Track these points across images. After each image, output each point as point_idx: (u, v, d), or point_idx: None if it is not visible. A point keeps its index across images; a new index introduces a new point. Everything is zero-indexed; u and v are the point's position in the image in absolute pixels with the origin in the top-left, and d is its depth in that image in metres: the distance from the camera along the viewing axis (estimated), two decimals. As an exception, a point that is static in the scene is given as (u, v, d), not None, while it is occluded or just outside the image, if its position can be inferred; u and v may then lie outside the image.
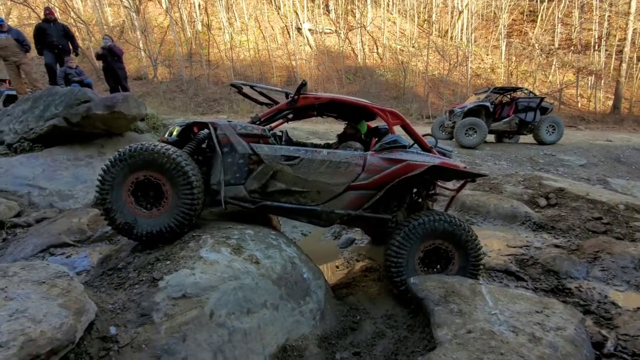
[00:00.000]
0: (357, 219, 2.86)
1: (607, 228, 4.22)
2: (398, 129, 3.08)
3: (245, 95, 3.45)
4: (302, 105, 2.88)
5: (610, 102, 20.85)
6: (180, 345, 1.70)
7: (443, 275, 2.62)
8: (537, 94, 12.99)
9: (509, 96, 10.08)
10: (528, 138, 10.15)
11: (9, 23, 18.84)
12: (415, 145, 2.90)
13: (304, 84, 2.83)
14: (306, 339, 2.18)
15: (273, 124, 3.14)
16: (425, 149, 2.91)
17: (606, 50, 23.41)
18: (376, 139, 3.31)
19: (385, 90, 22.08)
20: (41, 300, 1.59)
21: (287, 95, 3.25)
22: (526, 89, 10.08)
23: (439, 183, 3.30)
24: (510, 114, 9.46)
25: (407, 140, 2.90)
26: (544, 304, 2.21)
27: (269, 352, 1.98)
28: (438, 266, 2.82)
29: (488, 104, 9.33)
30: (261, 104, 3.68)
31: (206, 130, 2.72)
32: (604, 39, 23.67)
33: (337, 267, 3.86)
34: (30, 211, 4.47)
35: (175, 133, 2.79)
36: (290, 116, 3.10)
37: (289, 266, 2.40)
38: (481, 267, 2.80)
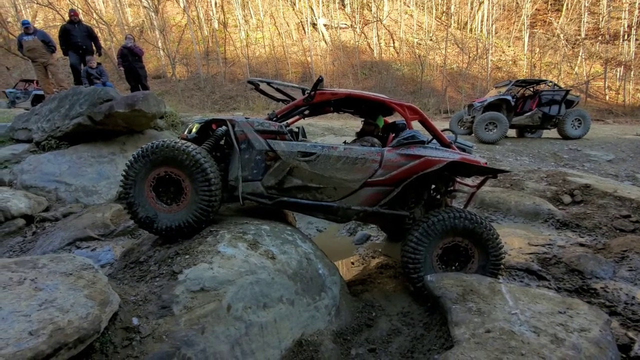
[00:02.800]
0: (373, 216, 2.83)
1: (635, 226, 4.03)
2: (416, 125, 3.04)
3: (262, 92, 3.48)
4: (318, 101, 2.87)
5: (641, 94, 19.82)
6: (199, 337, 1.74)
7: (461, 273, 2.57)
8: (562, 86, 12.49)
9: (531, 89, 9.73)
10: (552, 133, 9.80)
11: (35, 25, 19.68)
12: (434, 141, 2.84)
13: (320, 80, 2.82)
14: (321, 334, 2.19)
15: (289, 121, 3.16)
16: (445, 144, 2.85)
17: (636, 39, 22.21)
18: (393, 135, 3.27)
19: (402, 85, 21.77)
20: (68, 291, 1.66)
21: (303, 91, 3.25)
22: (550, 82, 9.70)
23: (457, 179, 3.23)
24: (533, 108, 9.13)
25: (425, 135, 2.84)
26: (568, 305, 2.13)
27: (285, 346, 2.00)
28: (457, 264, 2.77)
29: (509, 97, 9.03)
30: (277, 100, 3.70)
31: (224, 127, 2.75)
32: (634, 27, 22.46)
33: (353, 263, 3.85)
34: (58, 206, 4.68)
35: (194, 130, 2.85)
36: (306, 112, 3.10)
37: (304, 262, 2.41)
38: (502, 266, 2.73)
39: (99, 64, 7.50)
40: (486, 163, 2.71)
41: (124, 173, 2.50)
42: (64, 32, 7.18)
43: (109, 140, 5.68)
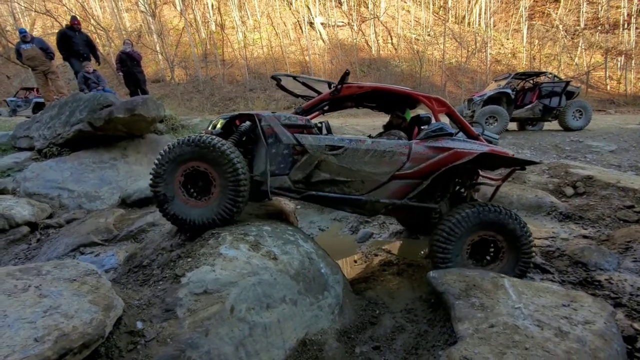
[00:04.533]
0: (401, 209, 2.82)
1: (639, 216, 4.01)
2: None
3: (282, 88, 3.45)
4: (345, 95, 2.86)
5: (643, 83, 19.66)
6: (203, 339, 1.75)
7: (463, 268, 2.57)
8: (562, 77, 12.42)
9: (531, 81, 9.67)
10: (553, 125, 9.74)
11: (34, 33, 19.72)
12: (460, 133, 2.82)
13: (347, 74, 2.79)
14: (325, 333, 2.20)
15: (309, 116, 3.16)
16: (472, 136, 2.83)
17: (637, 28, 22.01)
18: (418, 128, 3.23)
19: (401, 81, 21.71)
20: (72, 297, 1.67)
21: (329, 85, 3.23)
22: (550, 73, 9.63)
23: (481, 173, 3.18)
24: (534, 100, 9.08)
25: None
26: (571, 297, 2.12)
27: (289, 346, 2.01)
28: (484, 258, 2.76)
29: (509, 90, 8.99)
30: (296, 96, 3.65)
31: (247, 123, 2.74)
32: (634, 16, 22.25)
33: (355, 261, 3.85)
34: (61, 212, 4.70)
35: (219, 126, 2.84)
36: (326, 108, 3.07)
37: (306, 261, 2.41)
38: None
39: (94, 70, 7.50)
40: (514, 155, 2.69)
41: (166, 149, 2.50)
42: (64, 38, 7.17)
43: (109, 145, 5.71)
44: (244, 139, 2.79)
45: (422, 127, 3.18)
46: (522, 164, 2.84)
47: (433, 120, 3.00)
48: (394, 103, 3.32)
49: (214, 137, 2.49)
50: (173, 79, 20.11)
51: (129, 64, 7.83)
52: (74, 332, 1.49)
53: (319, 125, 3.33)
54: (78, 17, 7.52)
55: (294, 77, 3.28)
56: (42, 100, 8.43)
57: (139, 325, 1.78)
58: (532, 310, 1.98)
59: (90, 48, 7.44)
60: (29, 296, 1.63)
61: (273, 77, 3.27)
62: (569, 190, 4.86)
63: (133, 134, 5.88)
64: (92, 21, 21.72)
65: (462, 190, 3.06)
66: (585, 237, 3.67)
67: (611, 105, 17.64)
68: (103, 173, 5.29)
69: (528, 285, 2.26)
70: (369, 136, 3.30)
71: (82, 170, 5.24)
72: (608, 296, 2.71)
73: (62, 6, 21.35)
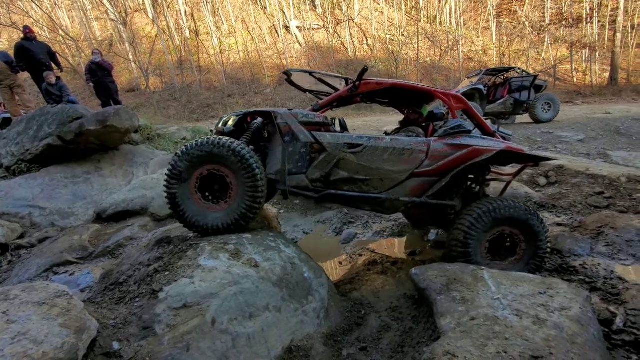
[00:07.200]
0: (420, 206, 2.81)
1: (609, 202, 4.17)
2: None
3: (292, 83, 3.40)
4: (363, 91, 2.83)
5: (607, 74, 20.63)
6: (184, 355, 1.70)
7: (444, 263, 2.61)
8: (531, 72, 12.89)
9: (502, 77, 9.99)
10: (525, 118, 10.07)
11: (0, 47, 18.81)
12: (476, 130, 2.85)
13: (365, 70, 2.76)
14: (311, 338, 2.18)
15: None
16: (488, 133, 2.86)
17: (599, 21, 23.09)
18: (432, 124, 3.24)
19: (379, 82, 21.94)
20: (42, 321, 1.59)
21: (347, 81, 3.18)
22: (519, 69, 10.00)
23: (493, 169, 3.20)
24: (505, 95, 9.38)
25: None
26: (547, 285, 2.19)
27: (275, 354, 1.98)
28: (502, 252, 2.80)
29: (481, 86, 9.25)
30: (305, 91, 3.60)
31: (260, 120, 2.68)
32: (596, 10, 23.34)
33: (341, 263, 3.85)
34: (33, 232, 4.50)
35: (231, 123, 2.77)
36: (335, 104, 3.04)
37: (289, 267, 2.39)
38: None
39: (58, 78, 7.16)
40: (526, 150, 2.73)
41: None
42: (22, 50, 6.88)
43: (82, 159, 5.51)
44: (255, 136, 2.74)
45: (436, 123, 3.20)
46: (537, 160, 2.88)
47: (449, 117, 3.02)
48: (407, 99, 3.30)
49: (252, 153, 2.42)
50: (148, 88, 19.63)
51: (100, 74, 7.61)
52: (44, 358, 1.43)
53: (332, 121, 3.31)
54: (30, 26, 7.22)
55: (310, 73, 3.23)
56: (9, 115, 8.08)
57: (116, 346, 1.71)
58: (511, 300, 2.02)
59: (50, 56, 7.17)
60: (-5, 323, 1.55)
61: (285, 72, 3.21)
62: (542, 180, 5.03)
63: (107, 145, 5.70)
64: (61, 32, 20.95)
65: (474, 186, 3.08)
66: (559, 224, 3.79)
67: (578, 97, 18.40)
68: (76, 188, 5.10)
69: (506, 276, 2.32)
70: (386, 133, 3.27)
71: (54, 187, 5.04)
72: (583, 281, 2.80)
73: (29, 18, 20.49)
